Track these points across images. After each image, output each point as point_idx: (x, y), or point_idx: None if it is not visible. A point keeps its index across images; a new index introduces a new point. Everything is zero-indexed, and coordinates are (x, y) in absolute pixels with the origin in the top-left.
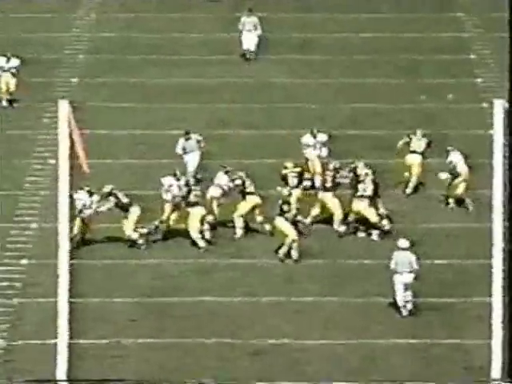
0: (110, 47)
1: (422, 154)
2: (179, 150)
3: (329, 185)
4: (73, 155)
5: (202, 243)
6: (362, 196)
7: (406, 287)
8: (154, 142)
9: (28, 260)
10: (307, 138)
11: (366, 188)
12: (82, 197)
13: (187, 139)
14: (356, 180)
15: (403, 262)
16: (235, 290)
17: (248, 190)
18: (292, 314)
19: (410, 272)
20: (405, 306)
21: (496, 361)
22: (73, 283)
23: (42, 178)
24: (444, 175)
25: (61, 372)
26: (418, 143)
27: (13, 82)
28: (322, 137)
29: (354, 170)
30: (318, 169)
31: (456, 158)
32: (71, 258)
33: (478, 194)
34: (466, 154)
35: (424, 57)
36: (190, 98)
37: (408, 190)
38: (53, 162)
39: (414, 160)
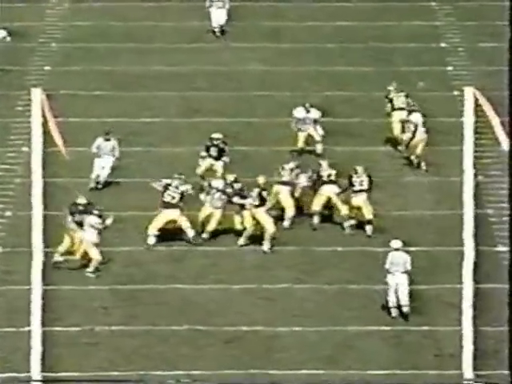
0: (82, 36)
1: (404, 108)
2: (94, 149)
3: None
4: (46, 143)
5: (151, 240)
6: (360, 191)
7: (401, 288)
8: (127, 130)
9: (2, 248)
10: (298, 112)
11: (363, 182)
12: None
13: (106, 140)
14: (320, 180)
15: (397, 263)
16: (207, 278)
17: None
18: (264, 301)
19: (404, 272)
20: (398, 308)
21: (466, 348)
22: (46, 271)
23: (16, 165)
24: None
25: (35, 359)
26: (401, 99)
27: None
28: (315, 113)
29: (317, 172)
30: (318, 136)
31: (416, 118)
32: (45, 246)
33: (449, 181)
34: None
35: (395, 45)
36: (163, 85)
37: (403, 148)
38: (26, 149)
39: (401, 116)
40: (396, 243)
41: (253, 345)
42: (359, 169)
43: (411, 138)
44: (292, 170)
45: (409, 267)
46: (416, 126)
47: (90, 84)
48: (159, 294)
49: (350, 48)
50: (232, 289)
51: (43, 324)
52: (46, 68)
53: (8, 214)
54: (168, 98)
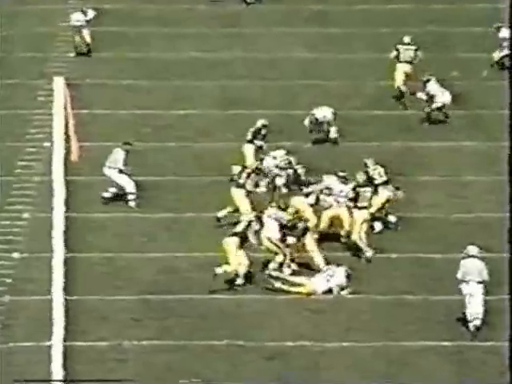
0: (110, 19)
1: (411, 62)
2: (122, 166)
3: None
4: (68, 138)
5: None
6: (383, 183)
7: (476, 299)
8: (159, 124)
9: (20, 253)
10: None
11: (381, 172)
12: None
13: (127, 152)
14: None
15: (471, 271)
16: (249, 287)
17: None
18: (311, 313)
19: (480, 282)
20: (472, 321)
21: None
22: (69, 279)
23: (36, 162)
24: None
25: (56, 376)
26: (407, 53)
27: (87, 35)
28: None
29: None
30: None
31: (434, 87)
32: (67, 251)
33: None
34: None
35: (455, 29)
36: (198, 74)
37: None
38: (48, 144)
39: (405, 68)
40: (473, 250)
41: (299, 361)
42: (369, 161)
43: (430, 109)
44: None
45: (485, 277)
46: (432, 97)
47: (118, 72)
48: (195, 305)
49: (405, 33)
50: (275, 299)
51: (66, 338)
52: (70, 55)
53: (26, 215)
54: (204, 88)
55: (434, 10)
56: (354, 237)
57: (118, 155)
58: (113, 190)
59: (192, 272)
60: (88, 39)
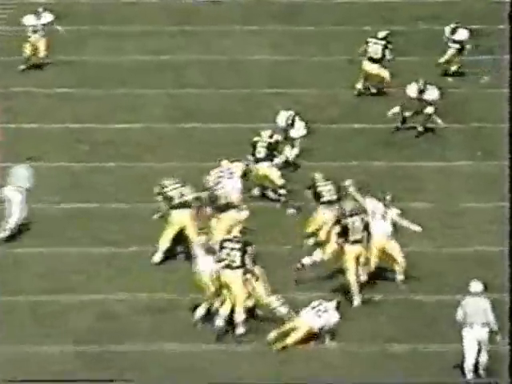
0: None
1: (378, 61)
2: (29, 184)
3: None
4: None
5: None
6: (329, 202)
7: (480, 346)
8: (97, 140)
9: None
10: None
11: (331, 190)
12: None
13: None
14: None
15: (475, 312)
16: (205, 334)
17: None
18: (281, 363)
19: (484, 325)
20: (475, 371)
21: None
22: None
23: None
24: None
25: None
26: (374, 48)
27: (43, 43)
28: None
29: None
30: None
31: (433, 93)
32: None
33: None
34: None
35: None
36: (144, 81)
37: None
38: None
39: (370, 68)
40: (475, 286)
41: None
42: (318, 175)
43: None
44: None
45: (491, 318)
46: (434, 104)
47: (48, 79)
48: (140, 356)
49: (391, 32)
50: (236, 348)
51: None
52: None
53: None
54: (151, 97)
55: (426, 4)
56: (349, 277)
57: (21, 173)
58: (9, 225)
59: (136, 316)
60: (43, 48)
